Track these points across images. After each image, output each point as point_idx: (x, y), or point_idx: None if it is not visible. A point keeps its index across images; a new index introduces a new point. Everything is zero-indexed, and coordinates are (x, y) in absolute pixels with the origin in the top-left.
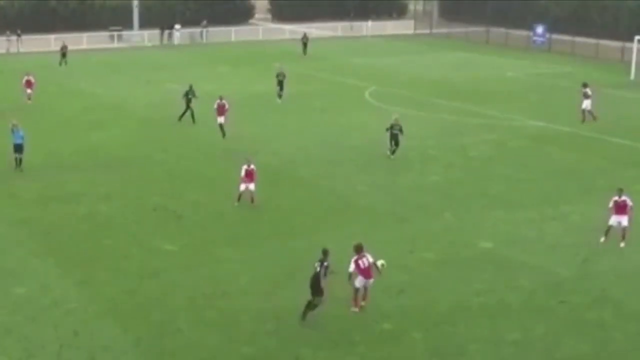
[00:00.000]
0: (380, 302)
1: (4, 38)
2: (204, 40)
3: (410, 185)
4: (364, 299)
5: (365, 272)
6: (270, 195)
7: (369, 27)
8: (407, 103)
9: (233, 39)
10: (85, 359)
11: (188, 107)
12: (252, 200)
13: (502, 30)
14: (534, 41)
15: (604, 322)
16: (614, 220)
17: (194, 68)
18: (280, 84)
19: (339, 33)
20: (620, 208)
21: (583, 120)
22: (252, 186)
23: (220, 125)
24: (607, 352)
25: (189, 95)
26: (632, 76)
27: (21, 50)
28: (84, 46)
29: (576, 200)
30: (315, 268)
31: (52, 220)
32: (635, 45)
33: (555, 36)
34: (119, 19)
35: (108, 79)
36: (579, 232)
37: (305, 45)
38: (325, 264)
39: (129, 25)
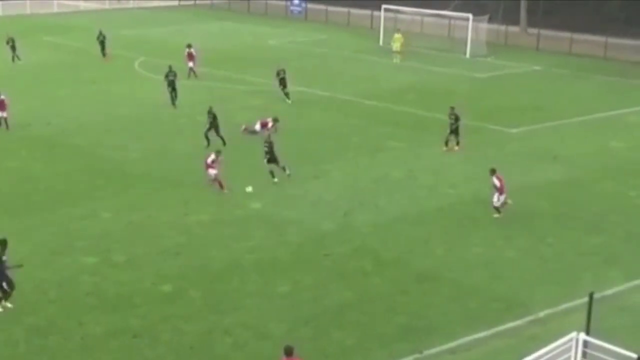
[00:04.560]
0: (159, 264)
1: None
2: None
3: (182, 151)
4: None
5: None
6: (46, 165)
7: None
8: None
9: (0, 13)
10: None
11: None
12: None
13: (262, 1)
14: (292, 11)
15: (364, 270)
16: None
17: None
18: (282, 81)
19: (107, 6)
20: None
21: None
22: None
23: (4, 119)
24: (368, 296)
25: (169, 77)
26: (381, 42)
27: None
28: None
29: (335, 158)
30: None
31: None
32: (382, 14)
33: (310, 5)
34: None
35: None
36: (338, 188)
37: (102, 44)
38: (4, 257)
39: None
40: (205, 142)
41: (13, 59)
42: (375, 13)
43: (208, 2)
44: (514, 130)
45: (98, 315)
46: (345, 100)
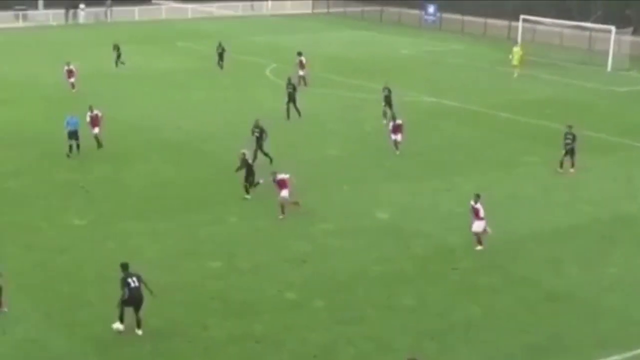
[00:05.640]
0: (284, 272)
1: None
2: (108, 20)
3: (309, 159)
4: None
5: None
6: (176, 169)
7: (268, 7)
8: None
9: (137, 18)
10: None
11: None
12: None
13: (396, 9)
14: (426, 20)
15: (493, 287)
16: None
17: (98, 47)
18: (387, 99)
19: (240, 12)
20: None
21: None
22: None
23: (96, 136)
24: (496, 313)
25: (288, 89)
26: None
27: None
28: None
29: (467, 171)
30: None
31: None
32: (520, 24)
33: (445, 15)
34: None
35: (14, 58)
36: (469, 202)
37: (221, 56)
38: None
39: (33, 5)
40: (267, 159)
41: (116, 64)
42: (513, 24)
43: (341, 10)
44: None
45: (222, 320)
46: (478, 112)
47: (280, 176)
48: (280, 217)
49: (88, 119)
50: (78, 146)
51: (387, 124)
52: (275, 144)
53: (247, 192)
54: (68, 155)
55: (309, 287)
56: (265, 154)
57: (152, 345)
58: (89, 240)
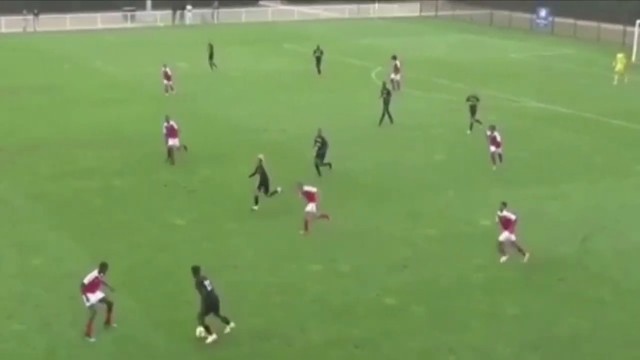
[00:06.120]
0: (384, 277)
1: (20, 17)
2: (215, 21)
3: (414, 163)
4: None
5: None
6: (278, 171)
7: (375, 9)
8: (411, 83)
9: (243, 19)
10: (100, 330)
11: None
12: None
13: (506, 13)
14: (537, 24)
15: (602, 299)
16: (503, 236)
17: (204, 48)
18: (472, 109)
19: (346, 15)
20: (505, 223)
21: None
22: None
23: (177, 147)
24: (605, 327)
25: (383, 94)
26: (634, 59)
27: (37, 29)
28: (99, 26)
29: (575, 179)
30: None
31: (67, 195)
32: (636, 29)
33: (558, 19)
34: (133, 0)
35: (122, 58)
36: (578, 210)
37: (319, 60)
38: (207, 282)
39: (142, 6)
40: (316, 171)
41: (211, 66)
42: (629, 29)
43: (450, 13)
44: None
45: (320, 323)
46: (589, 119)
47: (307, 188)
48: (302, 232)
49: (164, 130)
50: (185, 147)
51: (486, 133)
52: (379, 148)
53: (256, 202)
54: (166, 160)
55: (409, 292)
56: (326, 164)
57: (251, 346)
58: (189, 240)
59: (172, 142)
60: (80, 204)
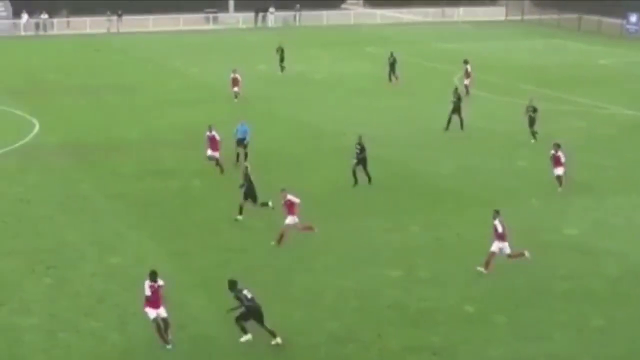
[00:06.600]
0: (464, 284)
1: (104, 18)
2: (297, 24)
3: (497, 169)
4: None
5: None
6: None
7: (460, 13)
8: (495, 89)
9: (325, 22)
10: (176, 328)
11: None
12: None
13: (595, 17)
14: (627, 29)
15: None
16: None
17: (286, 50)
18: (531, 120)
19: (430, 18)
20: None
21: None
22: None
23: (216, 159)
24: None
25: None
26: None
27: (121, 30)
28: (181, 27)
29: None
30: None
31: (148, 195)
32: None
33: None
34: (215, 2)
35: (203, 60)
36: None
37: (392, 67)
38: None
39: (224, 8)
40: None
41: (281, 69)
42: None
43: (536, 17)
44: None
45: (397, 329)
46: None
47: (290, 197)
48: (273, 243)
49: (206, 139)
50: (246, 155)
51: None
52: (461, 153)
53: (241, 212)
54: (235, 164)
55: (490, 300)
56: (368, 174)
57: (326, 350)
58: (265, 242)
59: (210, 153)
60: (159, 203)
